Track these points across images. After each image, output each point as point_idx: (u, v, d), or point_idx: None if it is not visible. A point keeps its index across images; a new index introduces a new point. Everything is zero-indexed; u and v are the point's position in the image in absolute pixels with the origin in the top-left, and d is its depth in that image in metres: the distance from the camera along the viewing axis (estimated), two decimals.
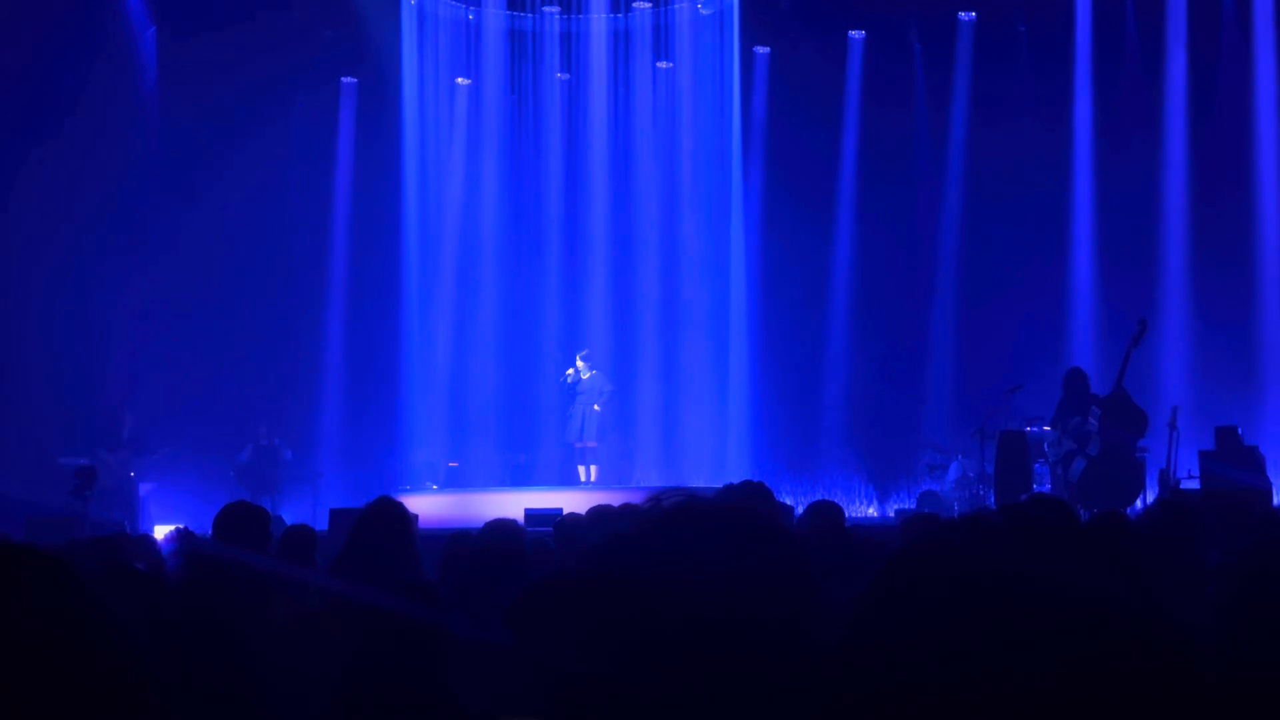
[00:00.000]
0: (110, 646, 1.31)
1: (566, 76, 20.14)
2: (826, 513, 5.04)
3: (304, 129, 19.75)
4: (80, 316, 17.43)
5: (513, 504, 12.75)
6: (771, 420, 19.05)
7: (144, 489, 16.59)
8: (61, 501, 14.17)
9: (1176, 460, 12.74)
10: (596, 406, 17.63)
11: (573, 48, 19.97)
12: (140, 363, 17.76)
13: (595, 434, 17.70)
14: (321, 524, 12.10)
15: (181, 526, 5.91)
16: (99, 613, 1.33)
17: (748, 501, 4.78)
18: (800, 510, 6.17)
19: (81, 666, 1.28)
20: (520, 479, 18.08)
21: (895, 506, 16.98)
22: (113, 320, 17.75)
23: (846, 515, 5.64)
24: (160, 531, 9.80)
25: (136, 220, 18.28)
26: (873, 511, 17.86)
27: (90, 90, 17.76)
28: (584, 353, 18.02)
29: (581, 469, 17.82)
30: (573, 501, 12.36)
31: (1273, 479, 12.67)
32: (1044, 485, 13.63)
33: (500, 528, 4.93)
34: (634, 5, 19.72)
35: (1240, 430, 13.76)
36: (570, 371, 17.82)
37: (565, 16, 19.85)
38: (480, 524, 5.00)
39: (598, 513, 6.45)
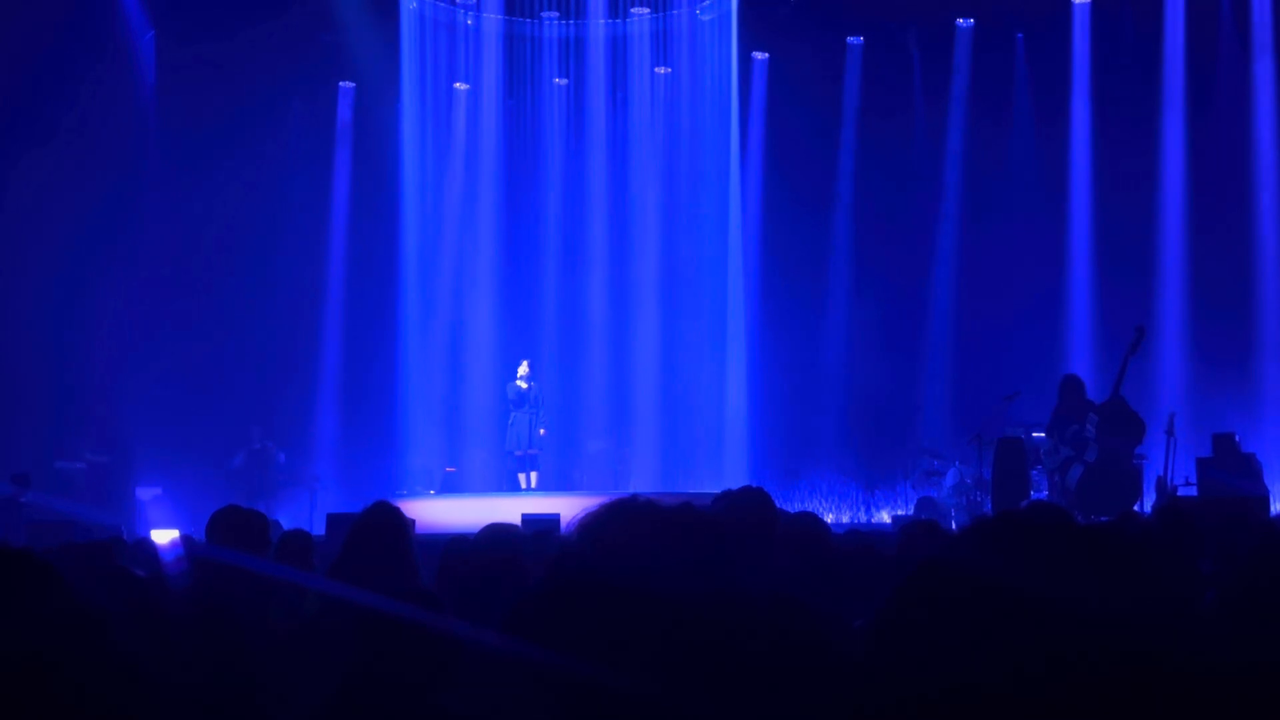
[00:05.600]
0: (100, 651, 1.30)
1: (565, 82, 20.14)
2: (805, 523, 5.04)
3: (302, 133, 19.75)
4: (77, 320, 17.39)
5: (510, 509, 12.73)
6: (769, 426, 19.04)
7: (146, 494, 16.54)
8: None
9: (1174, 467, 12.74)
10: (542, 430, 17.78)
11: (571, 53, 19.97)
12: (136, 365, 17.73)
13: (538, 442, 17.81)
14: (318, 529, 12.09)
15: (186, 535, 5.89)
16: (89, 618, 1.32)
17: (744, 507, 4.77)
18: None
19: (69, 671, 1.28)
20: (517, 484, 18.07)
21: (893, 512, 16.96)
22: (109, 323, 17.71)
23: (843, 521, 5.64)
24: (158, 536, 9.77)
25: (133, 224, 18.26)
26: (870, 517, 17.82)
27: (89, 94, 17.74)
28: (527, 361, 18.05)
29: (522, 476, 17.87)
30: (570, 507, 12.33)
31: (1270, 486, 12.68)
32: (1042, 492, 13.62)
33: (498, 533, 4.91)
34: (632, 10, 19.72)
35: (1238, 437, 13.77)
36: (512, 384, 17.86)
37: (564, 22, 19.85)
38: (477, 529, 4.97)
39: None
